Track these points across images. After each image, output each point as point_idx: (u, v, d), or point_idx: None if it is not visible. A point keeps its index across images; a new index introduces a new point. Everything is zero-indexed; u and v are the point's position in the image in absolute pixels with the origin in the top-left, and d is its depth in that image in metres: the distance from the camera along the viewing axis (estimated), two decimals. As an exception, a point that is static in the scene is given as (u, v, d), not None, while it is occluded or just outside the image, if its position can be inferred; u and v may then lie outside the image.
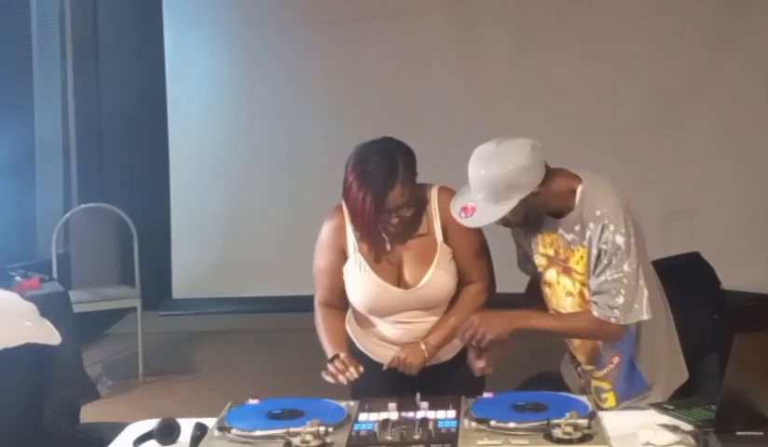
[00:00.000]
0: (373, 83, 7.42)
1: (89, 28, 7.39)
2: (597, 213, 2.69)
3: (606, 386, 2.91)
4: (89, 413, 4.58)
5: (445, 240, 2.89)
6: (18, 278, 4.87)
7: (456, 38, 7.40)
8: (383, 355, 2.93)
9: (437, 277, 2.88)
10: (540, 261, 2.89)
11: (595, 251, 2.69)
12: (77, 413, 4.50)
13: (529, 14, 7.29)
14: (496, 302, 3.03)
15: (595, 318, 2.74)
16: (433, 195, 2.91)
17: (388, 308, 2.91)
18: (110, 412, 4.96)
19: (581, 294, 2.79)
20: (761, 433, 2.22)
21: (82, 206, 6.23)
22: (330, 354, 2.84)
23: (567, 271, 2.81)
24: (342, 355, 2.81)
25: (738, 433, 2.21)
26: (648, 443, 2.30)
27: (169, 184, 7.62)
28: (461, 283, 2.94)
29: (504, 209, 2.67)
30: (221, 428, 2.36)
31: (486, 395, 2.53)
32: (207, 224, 7.59)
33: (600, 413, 2.37)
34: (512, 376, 3.17)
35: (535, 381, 3.11)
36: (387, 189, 2.74)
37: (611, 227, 2.67)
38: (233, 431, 2.33)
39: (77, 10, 7.21)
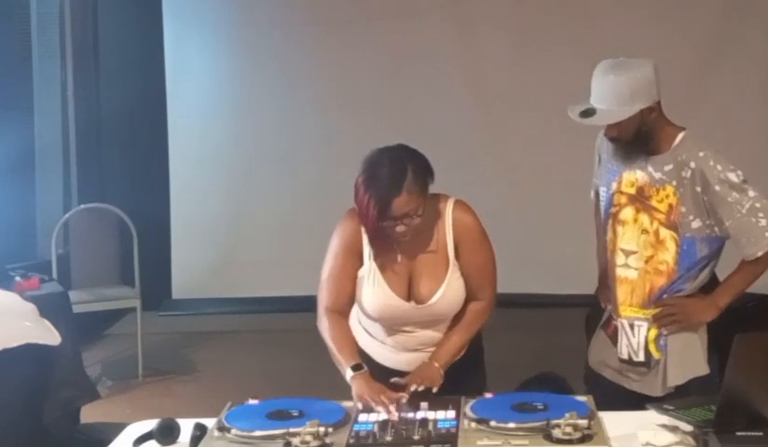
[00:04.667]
0: (372, 83, 7.41)
1: (88, 28, 7.37)
2: (701, 154, 2.84)
3: None
4: (89, 414, 4.58)
5: (456, 256, 2.85)
6: (18, 279, 4.87)
7: (456, 38, 7.39)
8: (385, 356, 2.93)
9: (448, 295, 2.84)
10: (618, 199, 2.96)
11: (699, 189, 2.81)
12: (77, 413, 4.49)
13: (529, 14, 7.29)
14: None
15: (759, 257, 2.79)
16: (448, 208, 2.86)
17: (397, 320, 2.88)
18: (110, 412, 4.95)
19: (656, 233, 2.88)
20: (760, 433, 2.22)
21: (82, 206, 6.23)
22: (351, 363, 2.72)
23: (647, 209, 2.89)
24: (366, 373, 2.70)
25: (738, 433, 2.22)
26: (648, 443, 2.30)
27: (169, 184, 7.61)
28: (467, 297, 2.89)
29: (627, 112, 2.79)
30: (221, 429, 2.37)
31: (486, 395, 2.54)
32: (207, 225, 7.58)
33: (600, 414, 2.37)
34: (512, 376, 3.18)
35: (535, 381, 3.12)
36: (391, 195, 2.67)
37: (719, 167, 2.83)
38: (233, 431, 2.34)
39: (77, 10, 7.19)
